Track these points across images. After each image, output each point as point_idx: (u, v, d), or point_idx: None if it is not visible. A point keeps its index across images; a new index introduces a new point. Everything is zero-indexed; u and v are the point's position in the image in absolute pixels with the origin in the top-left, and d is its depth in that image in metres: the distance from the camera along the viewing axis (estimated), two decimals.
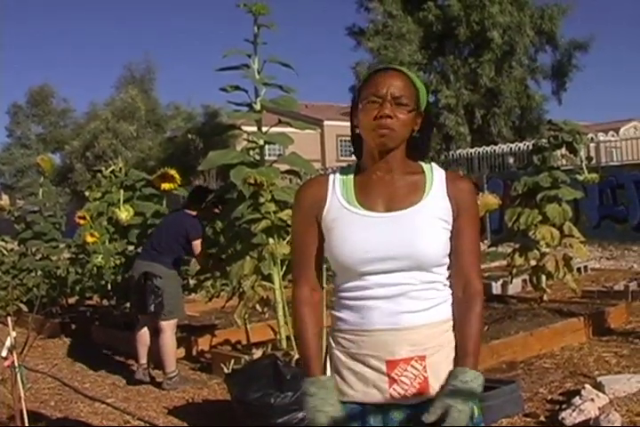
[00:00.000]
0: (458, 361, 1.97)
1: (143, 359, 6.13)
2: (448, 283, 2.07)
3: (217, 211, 6.06)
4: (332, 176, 2.14)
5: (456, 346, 2.00)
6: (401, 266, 1.96)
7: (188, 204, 6.20)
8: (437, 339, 1.98)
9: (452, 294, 2.06)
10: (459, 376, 1.92)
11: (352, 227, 2.01)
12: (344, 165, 2.21)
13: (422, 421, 1.93)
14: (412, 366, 1.95)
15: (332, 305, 2.12)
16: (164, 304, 5.83)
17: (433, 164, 2.13)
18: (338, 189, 2.09)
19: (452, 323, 2.04)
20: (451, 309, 2.05)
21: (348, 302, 2.04)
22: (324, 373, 2.08)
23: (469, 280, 2.04)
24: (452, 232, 2.04)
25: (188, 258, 6.66)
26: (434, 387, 1.95)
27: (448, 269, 2.07)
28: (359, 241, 1.98)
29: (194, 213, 6.06)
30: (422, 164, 2.12)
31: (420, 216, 1.99)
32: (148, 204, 7.40)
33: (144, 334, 6.12)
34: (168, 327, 5.91)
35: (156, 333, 6.00)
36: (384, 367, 1.96)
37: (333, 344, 2.08)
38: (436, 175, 2.08)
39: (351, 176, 2.12)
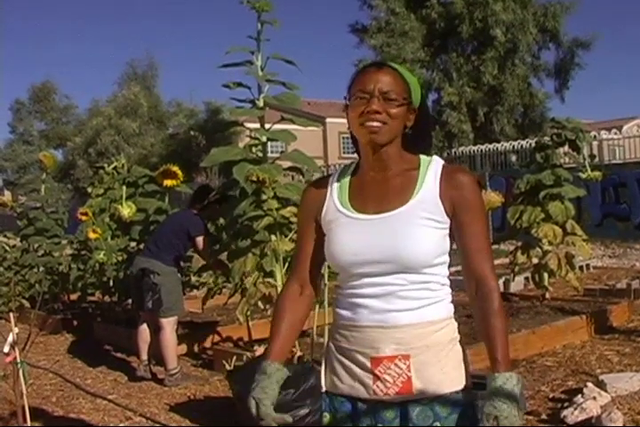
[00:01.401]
0: (491, 367, 1.92)
1: (144, 356, 6.12)
2: (447, 282, 2.04)
3: (219, 208, 6.07)
4: (332, 177, 2.16)
5: (486, 346, 1.96)
6: (389, 269, 1.95)
7: (191, 203, 6.21)
8: (425, 339, 1.96)
9: (468, 293, 2.01)
10: (491, 383, 1.88)
11: (343, 230, 2.02)
12: (346, 162, 2.21)
13: (411, 422, 1.94)
14: (396, 364, 1.95)
15: (333, 302, 2.14)
16: (161, 301, 5.83)
17: (434, 157, 2.08)
18: (335, 192, 2.10)
19: (446, 323, 2.01)
20: (448, 308, 2.03)
21: (344, 298, 2.06)
22: (277, 358, 2.10)
23: (482, 278, 1.98)
24: (451, 229, 2.00)
25: (190, 255, 6.68)
26: (417, 387, 1.94)
27: (449, 267, 2.05)
28: (348, 244, 1.99)
29: (197, 211, 6.08)
30: (422, 157, 2.08)
31: (407, 218, 1.96)
32: (151, 200, 7.40)
33: (145, 331, 6.13)
34: (168, 325, 5.90)
35: (156, 330, 6.00)
36: (369, 364, 1.98)
37: (331, 338, 2.11)
38: (430, 171, 2.02)
39: (348, 177, 2.12)
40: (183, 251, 6.09)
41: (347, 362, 2.03)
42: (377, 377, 1.96)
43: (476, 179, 2.07)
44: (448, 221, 1.99)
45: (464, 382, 2.00)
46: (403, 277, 1.96)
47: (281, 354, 2.11)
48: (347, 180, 2.12)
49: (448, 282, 2.04)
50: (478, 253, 2.00)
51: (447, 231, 2.00)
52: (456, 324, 2.05)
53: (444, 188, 1.99)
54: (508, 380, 1.87)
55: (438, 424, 1.95)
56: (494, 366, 1.90)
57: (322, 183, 2.17)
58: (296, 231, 2.26)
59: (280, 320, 2.14)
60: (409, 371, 1.95)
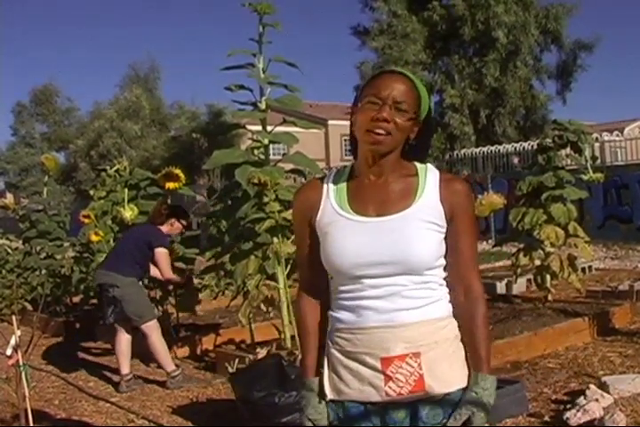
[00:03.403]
0: (475, 366, 2.01)
1: (125, 370, 6.02)
2: (444, 282, 2.07)
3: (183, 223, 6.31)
4: (326, 180, 2.15)
5: (468, 350, 2.04)
6: (392, 271, 1.97)
7: (152, 218, 6.35)
8: (432, 336, 1.99)
9: (454, 298, 2.07)
10: (479, 383, 1.97)
11: (344, 232, 2.02)
12: (348, 164, 2.21)
13: (421, 421, 1.97)
14: (407, 362, 1.96)
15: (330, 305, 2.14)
16: (125, 312, 5.84)
17: (428, 164, 2.11)
18: (331, 194, 2.10)
19: (449, 321, 2.04)
20: (447, 307, 2.06)
21: (343, 302, 2.05)
22: (317, 374, 2.14)
23: (470, 284, 2.05)
24: (446, 235, 2.03)
25: (192, 258, 6.69)
26: (429, 384, 1.96)
27: (445, 269, 2.07)
28: (351, 247, 1.99)
29: (159, 226, 6.19)
30: (417, 164, 2.10)
31: (411, 221, 1.98)
32: (153, 203, 7.39)
33: (120, 343, 6.03)
34: (150, 330, 5.90)
35: (143, 337, 5.97)
36: (379, 365, 1.97)
37: (330, 343, 2.10)
38: (429, 177, 2.06)
39: (344, 180, 2.12)
40: (144, 262, 6.10)
41: (354, 366, 2.02)
42: (389, 378, 1.97)
43: (470, 188, 2.12)
44: (446, 225, 2.03)
45: (467, 380, 2.03)
46: (406, 278, 1.98)
47: (317, 367, 2.15)
48: (343, 182, 2.12)
49: (445, 283, 2.08)
50: (470, 261, 2.07)
51: (444, 235, 2.03)
52: (456, 322, 2.09)
53: (443, 194, 2.03)
54: (492, 383, 2.00)
55: (447, 422, 1.98)
56: (482, 366, 2.01)
57: (315, 185, 2.16)
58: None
59: (307, 333, 2.18)
60: (420, 369, 1.96)
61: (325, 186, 2.12)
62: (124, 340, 6.02)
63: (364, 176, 2.08)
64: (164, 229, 6.19)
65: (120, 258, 6.01)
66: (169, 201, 7.17)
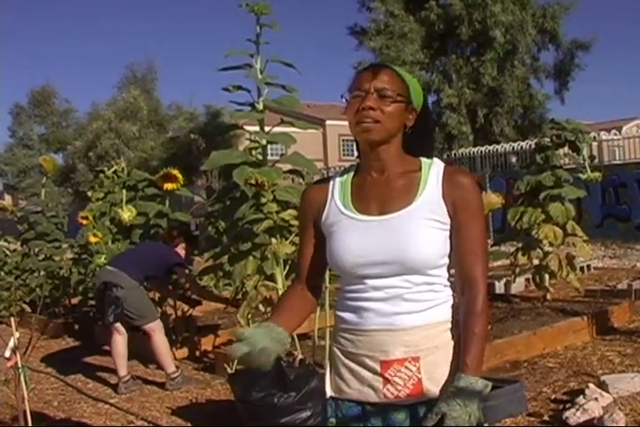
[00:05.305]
0: (459, 366, 1.92)
1: (122, 372, 6.00)
2: (448, 283, 2.04)
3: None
4: (332, 180, 2.14)
5: (459, 349, 1.96)
6: (394, 270, 1.95)
7: (165, 241, 6.40)
8: (433, 340, 1.96)
9: (458, 295, 2.03)
10: (454, 382, 1.87)
11: (347, 232, 2.01)
12: (346, 164, 2.21)
13: (421, 422, 1.94)
14: (406, 366, 1.95)
15: (335, 305, 2.13)
16: (125, 313, 5.84)
17: (435, 159, 2.08)
18: (336, 194, 2.09)
19: (449, 324, 2.01)
20: (450, 310, 2.02)
21: (347, 302, 2.05)
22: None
23: (471, 280, 1.97)
24: (451, 230, 1.99)
25: (190, 258, 6.70)
26: (428, 388, 1.94)
27: (449, 269, 2.04)
28: (353, 246, 1.98)
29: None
30: (423, 159, 2.08)
31: (412, 219, 1.96)
32: (151, 204, 7.40)
33: (118, 344, 6.00)
34: (153, 331, 5.90)
35: (146, 337, 5.98)
36: (378, 367, 1.97)
37: (333, 342, 2.10)
38: (432, 172, 2.02)
39: (349, 179, 2.11)
40: (151, 278, 6.15)
41: (354, 366, 2.01)
42: (387, 380, 1.96)
43: (476, 181, 2.06)
44: (449, 221, 1.99)
45: None
46: (407, 278, 1.96)
47: (278, 322, 2.07)
48: (348, 182, 2.11)
49: (449, 284, 2.05)
50: (471, 256, 1.99)
51: (449, 233, 2.00)
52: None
53: (446, 188, 1.99)
54: (472, 383, 1.85)
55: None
56: (462, 367, 1.89)
57: (322, 186, 2.15)
58: (297, 234, 2.26)
59: (282, 303, 2.18)
60: (419, 373, 1.94)
61: (331, 186, 2.12)
62: (120, 342, 6.00)
63: (367, 173, 2.07)
64: (179, 251, 6.27)
65: (133, 262, 6.01)
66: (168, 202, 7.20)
